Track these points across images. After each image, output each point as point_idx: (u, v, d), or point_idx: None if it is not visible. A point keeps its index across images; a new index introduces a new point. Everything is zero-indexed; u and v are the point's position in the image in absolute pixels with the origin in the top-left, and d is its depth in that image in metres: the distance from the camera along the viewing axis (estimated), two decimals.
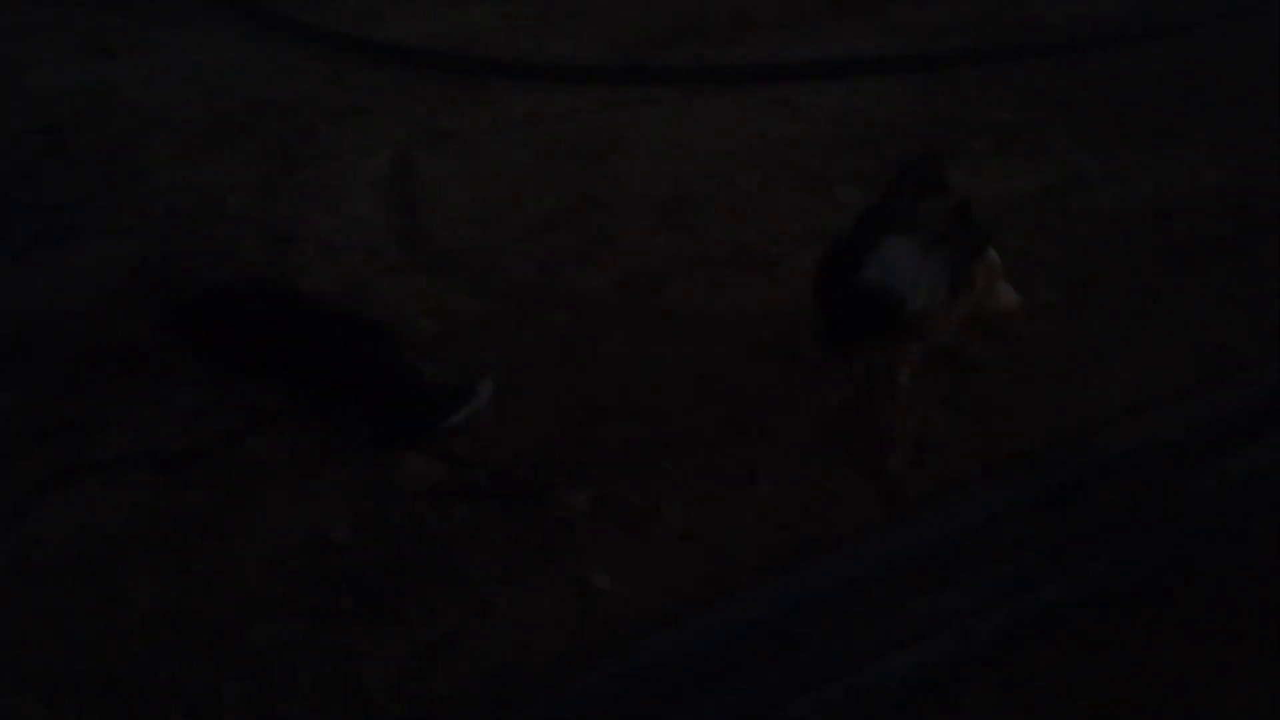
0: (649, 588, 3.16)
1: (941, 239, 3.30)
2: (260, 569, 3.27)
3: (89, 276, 4.83)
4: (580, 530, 3.36)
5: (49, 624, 3.15)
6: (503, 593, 3.15)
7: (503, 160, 5.76)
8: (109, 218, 5.34)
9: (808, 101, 6.26)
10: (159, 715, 2.87)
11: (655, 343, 4.16)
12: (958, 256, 3.32)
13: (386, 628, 3.07)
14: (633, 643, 2.99)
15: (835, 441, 3.66)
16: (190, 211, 5.38)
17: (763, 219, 5.02)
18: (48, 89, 7.04)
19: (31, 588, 3.26)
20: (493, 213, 5.22)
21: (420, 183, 5.55)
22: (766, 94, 6.40)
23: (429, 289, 4.61)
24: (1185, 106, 5.92)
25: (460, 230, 5.08)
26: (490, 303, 4.50)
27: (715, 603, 3.09)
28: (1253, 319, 4.15)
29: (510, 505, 3.44)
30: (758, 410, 3.79)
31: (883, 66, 6.64)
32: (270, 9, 8.22)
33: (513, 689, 2.88)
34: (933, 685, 2.84)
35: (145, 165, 5.89)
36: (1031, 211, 4.92)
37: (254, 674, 2.96)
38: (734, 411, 3.80)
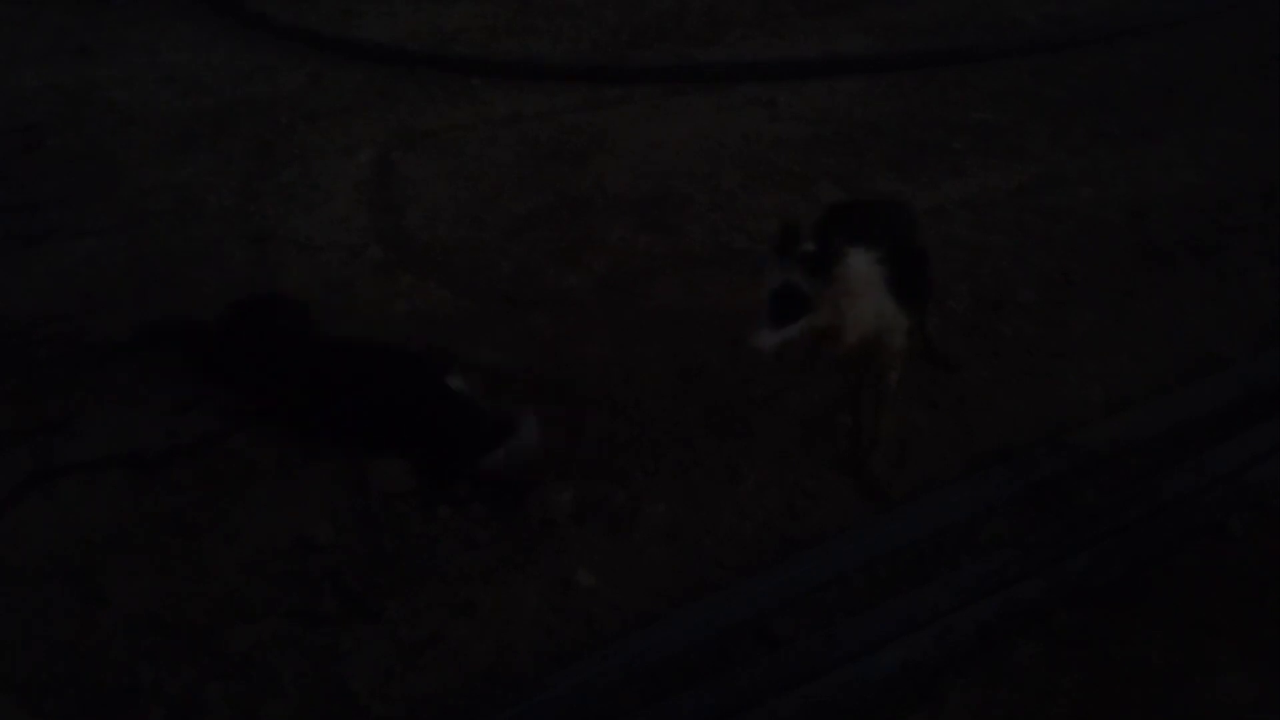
0: (632, 586, 3.17)
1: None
2: (242, 570, 3.27)
3: (68, 277, 4.81)
4: (563, 529, 3.36)
5: (29, 625, 3.13)
6: (486, 592, 3.16)
7: (484, 160, 5.75)
8: (88, 218, 5.32)
9: (788, 101, 6.27)
10: (141, 717, 2.87)
11: (637, 342, 4.17)
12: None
13: (370, 628, 3.07)
14: (615, 641, 2.99)
15: (817, 440, 3.67)
16: (170, 211, 5.36)
17: (744, 218, 5.03)
18: (25, 88, 7.00)
19: (11, 589, 3.25)
20: (474, 212, 5.21)
21: (401, 182, 5.54)
22: (747, 93, 6.41)
23: (410, 288, 4.61)
24: (1162, 106, 5.96)
25: (441, 230, 5.07)
26: (472, 302, 4.50)
27: (698, 601, 3.10)
28: (1230, 317, 4.18)
29: (493, 505, 3.44)
30: (740, 409, 3.80)
31: (863, 66, 6.65)
32: (249, 7, 8.18)
33: (496, 687, 2.89)
34: (915, 681, 2.85)
35: (124, 165, 5.87)
36: (1010, 210, 4.95)
37: (236, 675, 2.96)
38: (716, 411, 3.82)
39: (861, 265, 3.10)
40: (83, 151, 6.06)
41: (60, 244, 5.11)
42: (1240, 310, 4.22)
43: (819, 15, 7.68)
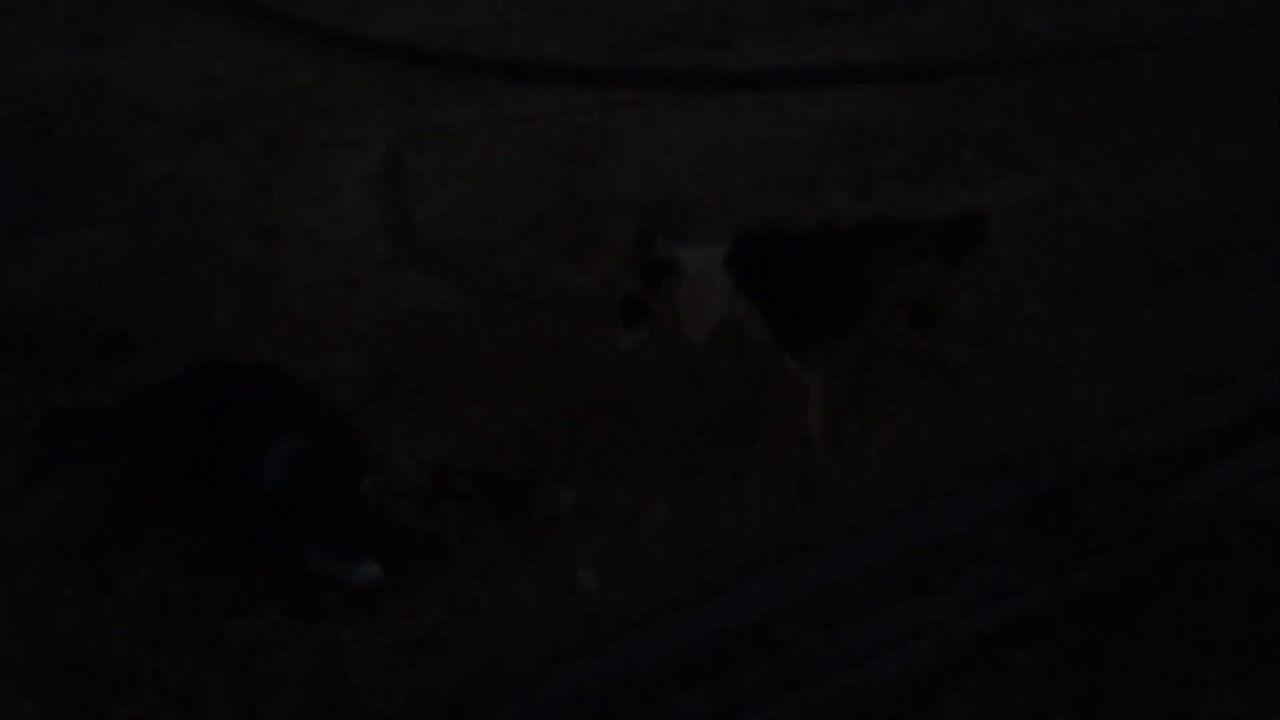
0: (633, 587, 3.18)
1: None
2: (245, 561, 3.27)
3: (76, 265, 4.82)
4: (565, 529, 3.37)
5: (32, 612, 3.14)
6: (488, 590, 3.16)
7: (493, 159, 5.75)
8: (96, 206, 5.33)
9: (798, 107, 6.27)
10: (140, 706, 2.87)
11: (641, 343, 4.16)
12: None
13: (371, 622, 3.07)
14: (615, 641, 3.00)
15: (817, 444, 3.68)
16: (178, 202, 5.36)
17: (751, 223, 5.02)
18: (36, 76, 7.01)
19: (16, 576, 3.26)
20: (482, 210, 5.22)
21: (410, 179, 5.54)
22: (757, 98, 6.41)
23: (417, 285, 4.61)
24: (1172, 120, 5.96)
25: (449, 227, 5.08)
26: (478, 300, 4.50)
27: (698, 603, 3.11)
28: (1236, 333, 4.18)
29: (496, 503, 3.45)
30: (743, 412, 3.80)
31: (873, 75, 6.65)
32: (262, 1, 8.18)
33: (496, 685, 2.89)
34: (914, 689, 2.86)
35: (133, 155, 5.88)
36: (1019, 222, 4.95)
37: (237, 666, 2.96)
38: (720, 413, 3.82)
39: (698, 270, 3.44)
40: (92, 141, 6.07)
41: (68, 232, 5.12)
42: (1247, 326, 4.22)
43: (830, 22, 7.67)
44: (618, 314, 3.47)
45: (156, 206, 5.34)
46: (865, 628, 3.00)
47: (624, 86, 6.64)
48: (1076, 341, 4.16)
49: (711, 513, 3.43)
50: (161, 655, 3.00)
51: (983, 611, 3.04)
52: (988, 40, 7.19)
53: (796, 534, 3.35)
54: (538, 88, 6.66)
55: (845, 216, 4.45)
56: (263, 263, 4.81)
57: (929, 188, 5.28)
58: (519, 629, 3.05)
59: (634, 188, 5.39)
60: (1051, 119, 6.03)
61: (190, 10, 8.25)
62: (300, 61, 7.17)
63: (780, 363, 3.59)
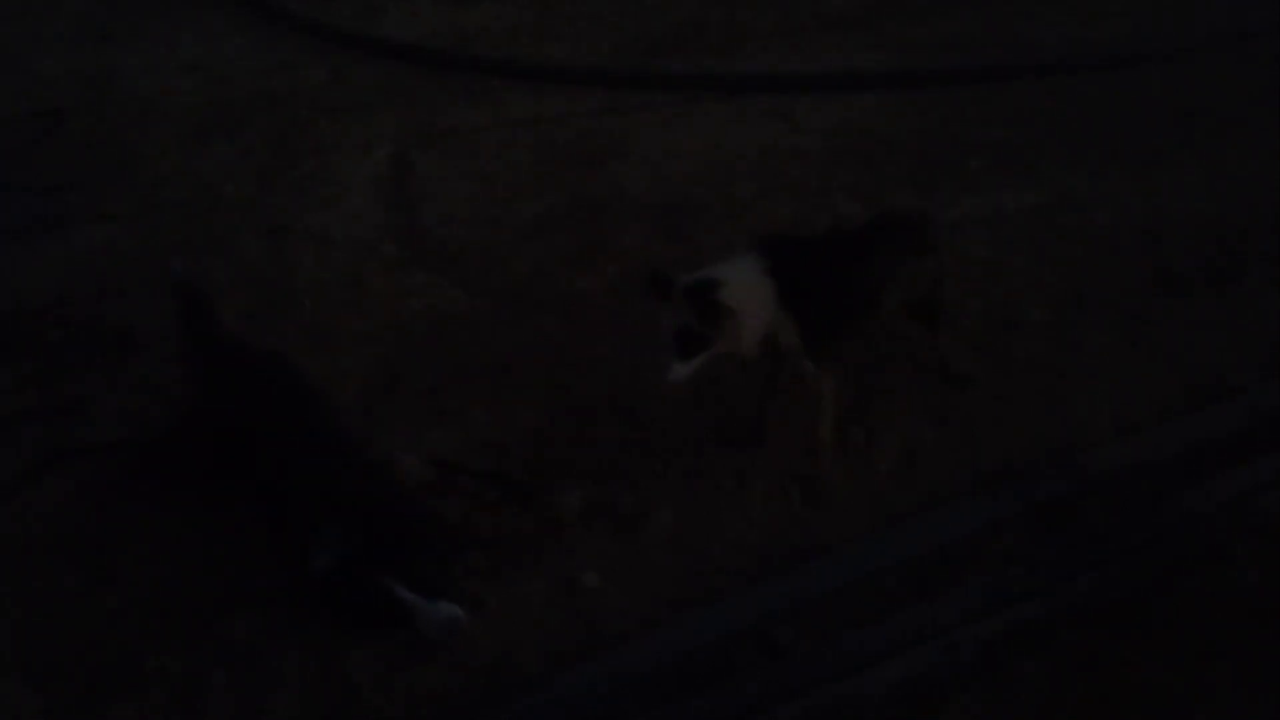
0: (637, 590, 3.18)
1: None
2: (249, 557, 3.27)
3: (85, 261, 4.83)
4: (570, 531, 3.37)
5: (36, 606, 3.15)
6: (492, 590, 3.16)
7: (501, 161, 5.77)
8: (107, 203, 5.35)
9: (805, 114, 6.28)
10: (143, 701, 2.88)
11: (648, 348, 4.16)
12: None
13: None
14: (619, 644, 3.00)
15: (827, 450, 3.68)
16: (187, 200, 5.38)
17: (759, 228, 5.03)
18: (47, 73, 7.04)
19: (20, 569, 3.27)
20: (489, 213, 5.23)
21: (418, 181, 5.56)
22: (765, 105, 6.42)
23: (424, 286, 4.62)
24: (1178, 131, 5.96)
25: (456, 229, 5.09)
26: (484, 302, 4.51)
27: (702, 607, 3.11)
28: (1240, 344, 4.18)
29: (502, 503, 3.45)
30: (749, 417, 3.81)
31: (880, 82, 6.66)
32: (272, 2, 8.20)
33: (500, 685, 2.89)
34: (916, 696, 2.86)
35: (143, 152, 5.90)
36: (1024, 230, 4.95)
37: (240, 662, 2.97)
38: (726, 418, 3.82)
39: (746, 283, 3.31)
40: (102, 138, 6.09)
41: (77, 228, 5.14)
42: (1251, 337, 4.22)
43: (836, 31, 7.69)
44: (672, 348, 3.33)
45: (165, 204, 5.36)
46: (868, 634, 3.00)
47: (632, 90, 6.66)
48: (1081, 350, 4.16)
49: (716, 517, 3.43)
50: (164, 650, 3.01)
51: (986, 619, 3.03)
52: (994, 50, 7.20)
53: (800, 539, 3.35)
54: (546, 91, 6.67)
55: (852, 220, 4.48)
56: (270, 261, 4.82)
57: (936, 195, 5.28)
58: (523, 629, 3.06)
59: (641, 192, 5.40)
60: (1058, 128, 6.04)
61: (200, 9, 8.28)
62: (309, 62, 7.20)
63: (798, 368, 3.57)
